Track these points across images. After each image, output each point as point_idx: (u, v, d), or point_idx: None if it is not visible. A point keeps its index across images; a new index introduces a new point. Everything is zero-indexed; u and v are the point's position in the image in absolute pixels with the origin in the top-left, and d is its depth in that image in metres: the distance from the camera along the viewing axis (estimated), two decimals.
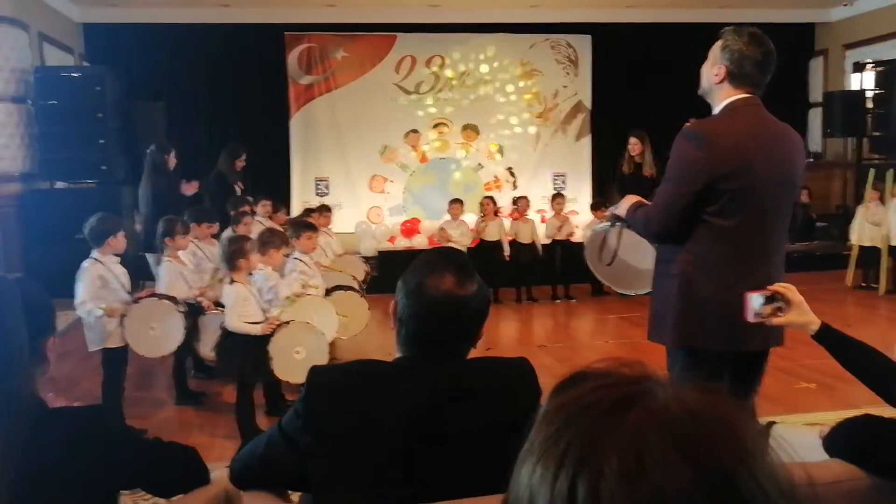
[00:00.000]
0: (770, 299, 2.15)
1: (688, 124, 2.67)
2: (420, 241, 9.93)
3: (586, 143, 11.59)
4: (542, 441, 0.64)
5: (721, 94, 2.64)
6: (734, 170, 2.50)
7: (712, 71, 2.65)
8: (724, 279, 2.53)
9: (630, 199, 2.84)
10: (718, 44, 2.65)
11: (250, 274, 4.57)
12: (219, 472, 2.03)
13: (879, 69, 10.37)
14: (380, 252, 9.41)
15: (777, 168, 2.58)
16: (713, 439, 0.59)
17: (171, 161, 6.97)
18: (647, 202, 2.78)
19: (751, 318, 2.17)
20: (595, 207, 8.89)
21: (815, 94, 12.14)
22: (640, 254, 2.94)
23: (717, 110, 2.66)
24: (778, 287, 2.16)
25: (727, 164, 2.50)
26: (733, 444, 0.60)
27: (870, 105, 10.38)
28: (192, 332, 4.77)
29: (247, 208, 6.53)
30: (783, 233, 2.70)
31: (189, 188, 7.13)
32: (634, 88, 11.22)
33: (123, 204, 7.81)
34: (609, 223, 3.04)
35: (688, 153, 2.55)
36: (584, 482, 0.58)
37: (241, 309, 4.34)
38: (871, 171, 8.18)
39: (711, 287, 2.55)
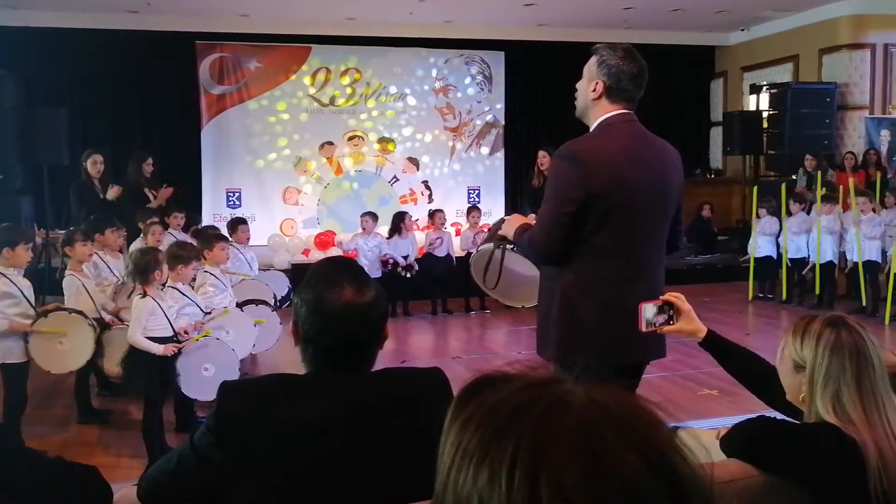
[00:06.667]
0: (661, 309, 2.21)
1: (563, 145, 2.59)
2: (335, 255, 9.84)
3: (500, 157, 11.77)
4: (480, 444, 0.64)
5: (597, 111, 2.60)
6: (608, 186, 2.46)
7: (589, 87, 2.60)
8: (604, 296, 2.51)
9: (517, 220, 2.78)
10: (593, 60, 2.61)
11: (162, 287, 4.45)
12: (124, 491, 1.97)
13: (773, 91, 10.94)
14: (293, 265, 9.29)
15: (652, 184, 2.55)
16: (650, 430, 0.64)
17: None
18: (532, 223, 2.70)
19: (643, 327, 2.20)
20: None
21: (716, 113, 12.70)
22: (525, 265, 2.84)
23: (593, 127, 2.62)
24: (668, 297, 2.22)
25: (600, 182, 2.45)
26: (663, 432, 0.65)
27: (765, 125, 10.93)
28: (97, 348, 4.58)
29: (156, 218, 6.37)
30: (662, 248, 2.68)
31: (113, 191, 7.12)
32: (546, 104, 11.49)
33: (22, 214, 7.48)
34: (493, 244, 2.90)
35: (563, 173, 2.52)
36: (546, 482, 0.59)
37: (149, 322, 4.21)
38: (755, 189, 8.69)
39: (592, 304, 2.52)
